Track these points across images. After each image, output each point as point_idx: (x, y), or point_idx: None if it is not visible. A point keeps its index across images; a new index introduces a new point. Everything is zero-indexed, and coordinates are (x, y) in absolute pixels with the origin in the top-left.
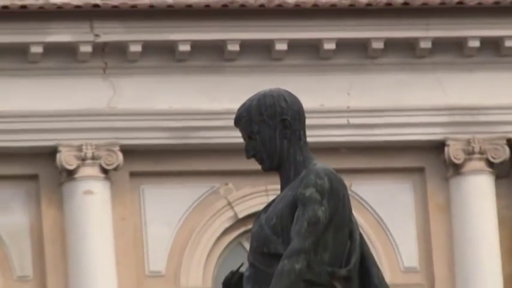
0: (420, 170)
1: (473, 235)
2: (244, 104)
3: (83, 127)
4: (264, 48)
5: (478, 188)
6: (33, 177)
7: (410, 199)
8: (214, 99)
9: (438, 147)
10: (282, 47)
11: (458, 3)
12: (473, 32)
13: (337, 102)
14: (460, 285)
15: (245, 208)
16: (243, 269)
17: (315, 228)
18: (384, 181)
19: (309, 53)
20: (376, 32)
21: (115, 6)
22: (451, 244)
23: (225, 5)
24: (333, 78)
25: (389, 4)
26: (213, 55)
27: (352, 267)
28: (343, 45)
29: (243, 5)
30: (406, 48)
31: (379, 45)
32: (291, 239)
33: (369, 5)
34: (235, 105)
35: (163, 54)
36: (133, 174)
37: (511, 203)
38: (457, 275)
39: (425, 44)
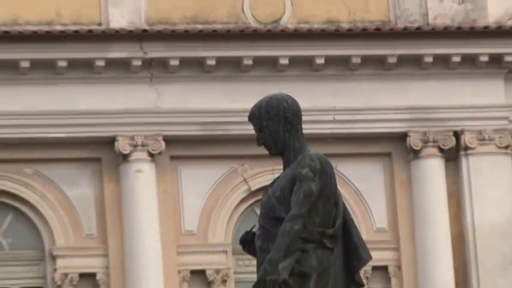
0: (388, 155)
1: (429, 204)
2: (256, 105)
3: (135, 122)
4: (271, 63)
5: (432, 169)
6: (97, 160)
7: (381, 177)
8: (233, 101)
9: (402, 137)
10: (284, 61)
11: (417, 29)
12: (428, 50)
13: (325, 103)
14: (419, 242)
15: (257, 183)
16: (255, 229)
17: (309, 199)
18: (361, 163)
19: (305, 66)
20: (355, 51)
21: (159, 31)
22: (412, 211)
23: (241, 30)
24: (323, 85)
25: (365, 29)
26: (232, 68)
27: (337, 228)
28: (330, 61)
29: (255, 30)
30: (378, 63)
31: (357, 60)
32: (291, 207)
33: (349, 30)
34: (249, 105)
35: (195, 67)
36: (173, 158)
37: (457, 180)
38: (416, 234)
39: (392, 60)
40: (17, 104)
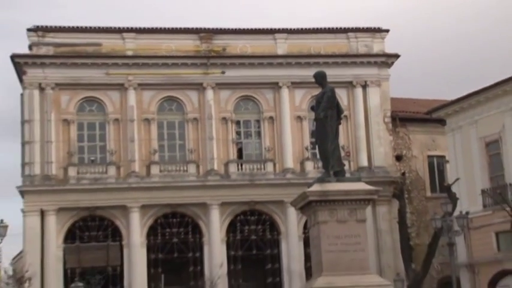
0: (344, 83)
1: (357, 98)
2: (315, 73)
3: None
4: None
5: (359, 91)
6: None
7: (345, 94)
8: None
9: (348, 82)
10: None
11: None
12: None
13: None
14: (354, 112)
15: (314, 94)
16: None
17: (328, 98)
18: (341, 90)
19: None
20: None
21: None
22: (350, 99)
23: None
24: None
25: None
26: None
27: (335, 105)
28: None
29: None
30: (338, 63)
31: (328, 62)
32: (324, 100)
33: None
34: (312, 72)
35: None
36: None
37: (365, 94)
38: (351, 107)
39: (343, 62)
40: None
